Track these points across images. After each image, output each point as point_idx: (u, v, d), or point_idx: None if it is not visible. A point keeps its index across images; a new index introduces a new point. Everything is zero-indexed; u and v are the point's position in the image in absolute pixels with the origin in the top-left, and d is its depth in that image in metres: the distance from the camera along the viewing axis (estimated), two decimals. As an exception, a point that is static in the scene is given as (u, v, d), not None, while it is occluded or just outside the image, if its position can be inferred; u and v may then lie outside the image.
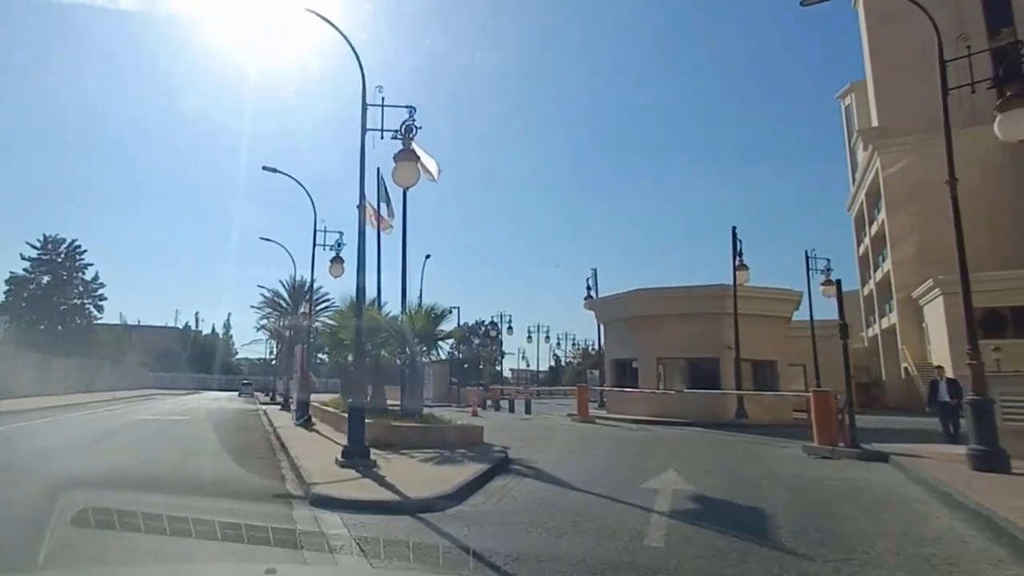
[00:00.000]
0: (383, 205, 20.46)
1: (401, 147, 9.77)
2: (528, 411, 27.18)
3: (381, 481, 7.84)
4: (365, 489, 7.40)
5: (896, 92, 54.69)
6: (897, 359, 48.64)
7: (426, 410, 18.24)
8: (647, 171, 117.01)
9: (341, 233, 19.90)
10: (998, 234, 44.82)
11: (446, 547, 4.99)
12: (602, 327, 27.17)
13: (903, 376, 47.29)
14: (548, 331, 68.89)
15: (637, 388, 22.68)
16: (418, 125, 9.81)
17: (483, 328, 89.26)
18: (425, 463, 9.79)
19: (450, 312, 35.91)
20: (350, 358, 18.46)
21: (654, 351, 22.78)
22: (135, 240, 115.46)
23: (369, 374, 18.18)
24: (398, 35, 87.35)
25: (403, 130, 9.80)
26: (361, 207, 9.80)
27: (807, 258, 25.18)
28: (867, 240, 53.66)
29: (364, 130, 9.83)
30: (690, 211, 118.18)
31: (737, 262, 21.05)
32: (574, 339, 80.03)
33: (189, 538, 4.40)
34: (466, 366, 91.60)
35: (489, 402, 32.26)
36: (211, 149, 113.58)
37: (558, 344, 78.06)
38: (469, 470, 8.79)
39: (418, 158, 9.90)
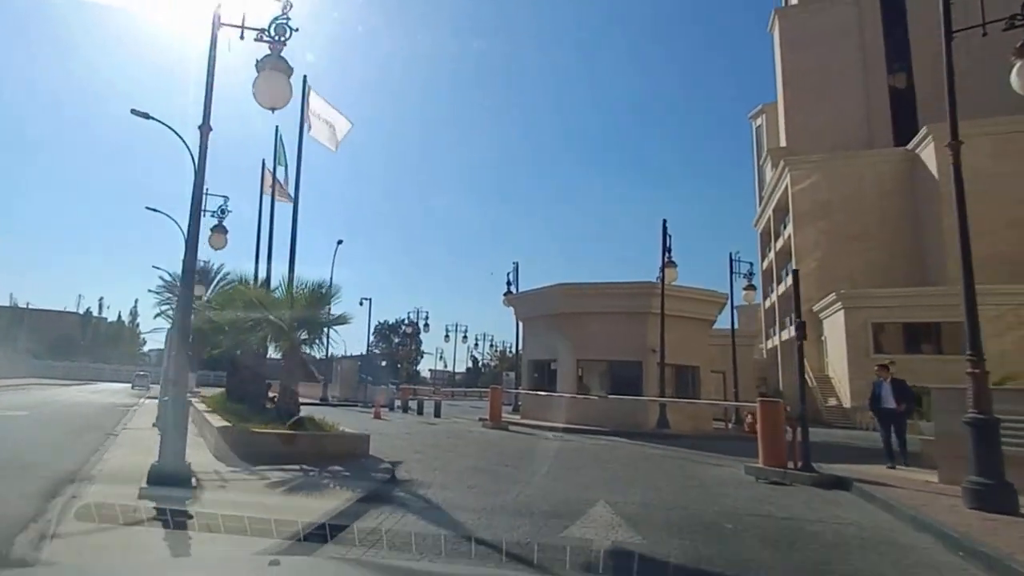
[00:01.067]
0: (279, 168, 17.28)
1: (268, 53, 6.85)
2: (438, 414, 24.34)
3: (175, 527, 4.91)
4: (129, 548, 4.46)
5: (804, 114, 55.56)
6: (796, 371, 48.86)
7: (322, 411, 15.26)
8: (571, 183, 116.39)
9: (226, 198, 16.13)
10: (894, 253, 45.73)
11: None
12: (521, 325, 24.70)
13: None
14: (466, 331, 65.45)
15: (555, 392, 20.30)
16: (294, 27, 6.92)
17: (403, 326, 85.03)
18: (273, 488, 6.88)
19: (361, 303, 32.57)
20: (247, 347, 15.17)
21: (574, 352, 20.49)
22: (33, 222, 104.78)
23: (251, 365, 15.06)
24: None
25: (271, 30, 6.86)
26: (204, 130, 6.77)
27: (731, 261, 23.69)
28: (772, 255, 53.93)
29: (217, 24, 6.83)
30: (612, 224, 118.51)
31: (666, 259, 19.04)
32: (492, 340, 76.95)
33: None
34: (383, 363, 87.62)
35: (399, 403, 29.12)
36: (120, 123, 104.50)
37: (476, 345, 75.00)
38: (329, 503, 5.99)
39: (290, 71, 6.97)
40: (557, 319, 21.16)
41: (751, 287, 24.45)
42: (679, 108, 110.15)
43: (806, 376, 47.22)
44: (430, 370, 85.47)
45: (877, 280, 43.20)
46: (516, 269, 26.15)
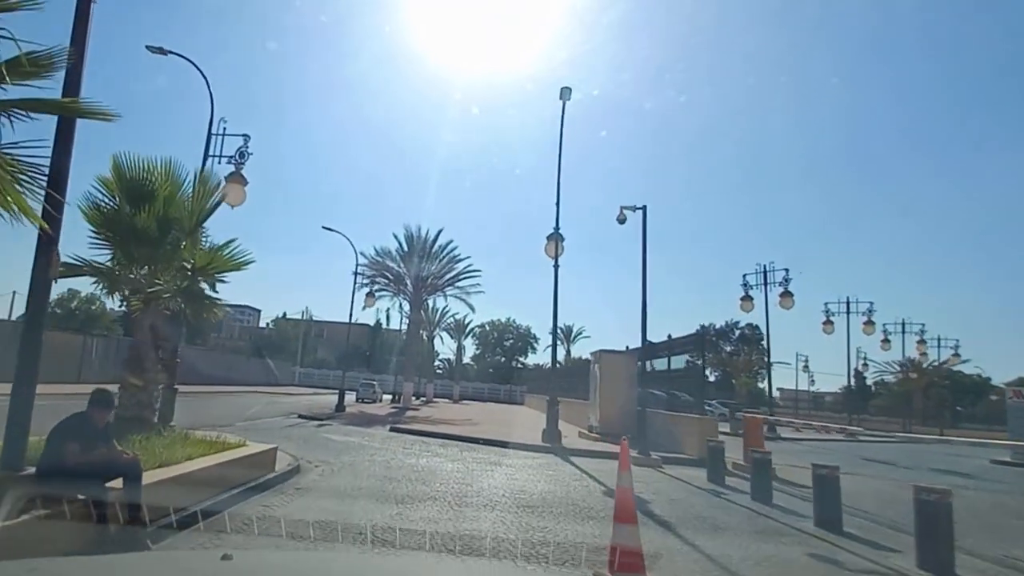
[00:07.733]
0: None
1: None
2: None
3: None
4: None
5: None
6: None
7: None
8: (950, 166, 78.20)
9: (247, 137, 10.88)
10: None
11: None
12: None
13: None
14: (856, 305, 32.21)
15: None
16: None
17: (736, 329, 58.90)
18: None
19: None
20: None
21: None
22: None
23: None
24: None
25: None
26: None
27: None
28: None
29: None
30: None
31: None
32: (904, 324, 36.45)
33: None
34: (711, 377, 52.43)
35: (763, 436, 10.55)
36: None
37: (886, 338, 36.22)
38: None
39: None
40: None
41: None
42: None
43: None
44: (779, 389, 55.45)
45: None
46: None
